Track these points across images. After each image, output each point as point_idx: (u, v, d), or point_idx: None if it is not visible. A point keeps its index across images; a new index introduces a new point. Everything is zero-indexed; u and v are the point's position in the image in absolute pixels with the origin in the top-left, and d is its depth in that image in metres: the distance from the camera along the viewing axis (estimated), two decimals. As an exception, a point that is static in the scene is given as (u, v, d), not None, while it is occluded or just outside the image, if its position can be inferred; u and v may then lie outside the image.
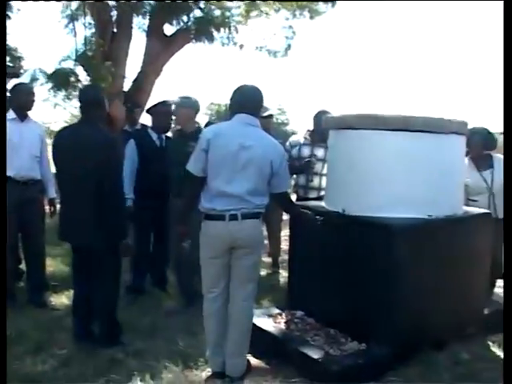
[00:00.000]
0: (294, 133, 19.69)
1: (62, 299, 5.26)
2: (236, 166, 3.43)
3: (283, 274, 6.30)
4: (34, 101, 5.15)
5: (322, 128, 5.15)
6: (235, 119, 3.61)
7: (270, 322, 4.32)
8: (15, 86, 5.27)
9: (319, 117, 5.83)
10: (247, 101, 3.61)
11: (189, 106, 5.03)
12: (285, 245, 6.60)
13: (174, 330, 4.58)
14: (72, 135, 4.07)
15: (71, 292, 4.68)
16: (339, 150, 4.37)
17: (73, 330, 4.30)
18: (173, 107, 5.33)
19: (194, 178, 3.56)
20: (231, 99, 3.70)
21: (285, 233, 6.72)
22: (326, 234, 3.99)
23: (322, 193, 5.48)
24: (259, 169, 3.46)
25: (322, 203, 4.59)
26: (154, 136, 5.53)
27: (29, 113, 5.16)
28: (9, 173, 4.80)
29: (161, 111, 5.50)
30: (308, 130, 6.30)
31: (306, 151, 6.05)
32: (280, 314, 4.49)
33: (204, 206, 3.54)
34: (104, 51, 17.28)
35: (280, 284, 6.12)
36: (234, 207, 3.43)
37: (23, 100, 5.03)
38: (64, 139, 4.10)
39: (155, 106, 5.66)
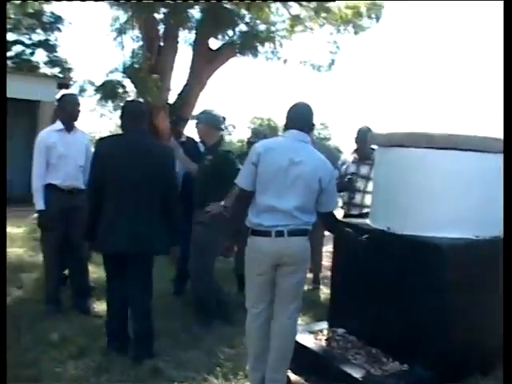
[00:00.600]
0: (337, 149, 19.56)
1: (104, 306, 5.31)
2: (285, 182, 3.43)
3: (324, 290, 6.25)
4: (79, 111, 5.22)
5: (367, 145, 5.11)
6: (287, 135, 3.64)
7: (311, 339, 4.29)
8: (62, 96, 5.39)
9: (362, 133, 5.80)
10: (299, 117, 3.64)
11: (204, 121, 5.02)
12: (326, 261, 6.56)
13: (213, 341, 4.58)
14: (129, 144, 4.01)
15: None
16: (386, 167, 4.32)
17: (109, 337, 4.31)
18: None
19: (243, 192, 3.57)
20: (286, 116, 3.72)
21: (326, 248, 6.68)
22: (370, 252, 3.93)
23: (365, 210, 5.43)
24: (308, 185, 3.45)
25: (367, 221, 4.54)
26: (202, 148, 5.60)
27: (75, 123, 5.23)
28: (54, 181, 4.98)
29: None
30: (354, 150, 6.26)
31: (351, 169, 6.02)
32: (321, 331, 4.46)
33: (251, 221, 3.54)
34: (151, 64, 17.63)
35: (321, 300, 6.08)
36: (281, 223, 3.41)
37: (69, 110, 5.12)
38: (120, 148, 4.01)
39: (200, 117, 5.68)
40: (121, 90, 17.23)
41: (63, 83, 12.09)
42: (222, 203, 4.73)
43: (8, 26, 24.16)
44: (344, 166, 6.14)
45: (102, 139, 4.25)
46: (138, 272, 4.09)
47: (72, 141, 5.04)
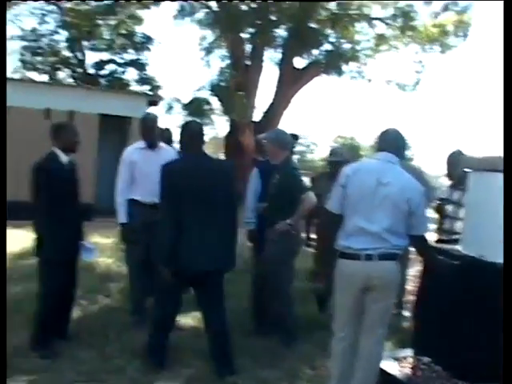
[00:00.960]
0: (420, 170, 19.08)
1: (187, 319, 5.39)
2: (374, 203, 3.38)
3: (408, 315, 6.09)
4: (156, 129, 5.25)
5: (458, 169, 4.98)
6: (375, 156, 3.60)
7: (396, 366, 4.17)
8: (143, 116, 5.49)
9: (454, 158, 5.63)
10: (388, 141, 3.61)
11: (272, 141, 5.03)
12: (409, 285, 6.39)
13: (294, 360, 4.54)
14: (198, 165, 4.07)
15: (197, 313, 4.78)
16: (481, 192, 4.16)
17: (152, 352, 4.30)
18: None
19: (333, 215, 3.55)
20: (376, 141, 3.73)
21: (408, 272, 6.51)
22: (460, 280, 3.80)
23: (454, 236, 5.27)
24: (396, 206, 3.38)
25: (458, 247, 4.39)
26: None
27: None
28: (136, 197, 5.16)
29: None
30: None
31: (445, 194, 5.88)
32: (405, 358, 4.32)
33: (340, 244, 3.50)
34: (237, 82, 18.04)
35: (404, 326, 5.91)
36: (370, 246, 3.36)
37: (148, 129, 5.20)
38: (189, 169, 4.03)
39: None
40: (207, 108, 17.76)
41: (153, 100, 12.53)
42: (288, 221, 4.72)
43: (102, 46, 25.42)
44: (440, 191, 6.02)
45: (167, 164, 4.10)
46: (215, 289, 4.15)
47: (154, 158, 4.98)
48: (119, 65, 25.72)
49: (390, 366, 4.09)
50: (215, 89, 17.69)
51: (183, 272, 3.95)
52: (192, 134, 4.17)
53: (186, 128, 4.26)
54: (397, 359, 4.27)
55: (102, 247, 8.03)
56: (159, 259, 4.02)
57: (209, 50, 20.24)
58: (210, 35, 21.41)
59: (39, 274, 4.35)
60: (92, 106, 11.51)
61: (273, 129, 17.24)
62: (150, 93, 13.54)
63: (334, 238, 3.53)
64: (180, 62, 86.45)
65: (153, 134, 5.19)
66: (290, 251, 4.83)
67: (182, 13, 18.89)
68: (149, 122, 5.24)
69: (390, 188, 3.39)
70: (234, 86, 17.69)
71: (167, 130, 6.34)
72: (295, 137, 5.93)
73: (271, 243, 4.85)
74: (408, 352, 4.41)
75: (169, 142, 6.01)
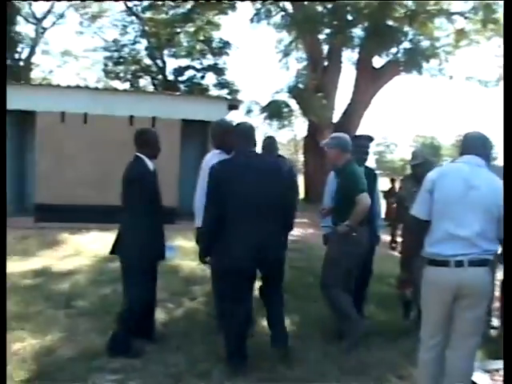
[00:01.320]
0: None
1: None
2: (464, 207, 3.25)
3: (496, 323, 5.84)
4: (226, 135, 5.17)
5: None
6: (461, 160, 3.47)
7: (487, 379, 4.01)
8: (216, 122, 5.45)
9: None
10: (474, 144, 3.45)
11: (333, 146, 5.02)
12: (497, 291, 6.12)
13: (381, 368, 4.43)
14: (246, 164, 4.14)
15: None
16: None
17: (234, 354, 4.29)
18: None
19: (419, 221, 3.44)
20: (460, 144, 3.58)
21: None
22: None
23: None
24: (488, 210, 3.24)
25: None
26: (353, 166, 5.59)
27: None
28: None
29: (359, 144, 5.55)
30: None
31: None
32: (497, 371, 4.13)
33: (427, 251, 3.40)
34: (315, 84, 17.99)
35: (494, 335, 5.68)
36: (460, 252, 3.23)
37: (215, 135, 5.18)
38: (237, 169, 4.12)
39: (356, 137, 5.72)
40: (286, 110, 17.81)
41: (233, 105, 12.69)
42: (347, 223, 4.70)
43: (181, 53, 26.03)
44: None
45: (218, 164, 4.16)
46: (277, 279, 4.35)
47: None
48: (198, 70, 26.28)
49: (481, 379, 3.93)
50: (293, 91, 17.68)
51: (235, 269, 4.03)
52: (242, 134, 4.26)
53: (237, 129, 4.39)
54: (488, 371, 4.10)
55: (186, 250, 8.18)
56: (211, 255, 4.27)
57: (286, 53, 20.30)
58: (286, 37, 21.54)
59: (124, 277, 4.47)
60: (174, 111, 11.80)
61: (352, 130, 17.11)
62: (230, 97, 13.68)
63: (421, 244, 3.44)
64: (258, 65, 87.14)
65: (222, 140, 5.15)
66: (344, 253, 4.75)
67: (258, 16, 19.03)
68: (217, 128, 5.24)
69: (481, 191, 3.26)
70: (313, 88, 17.62)
71: (270, 137, 6.33)
72: (370, 139, 5.86)
73: (330, 244, 4.96)
74: (500, 364, 4.23)
75: (272, 150, 6.01)
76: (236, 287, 4.11)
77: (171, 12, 23.94)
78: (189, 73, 26.07)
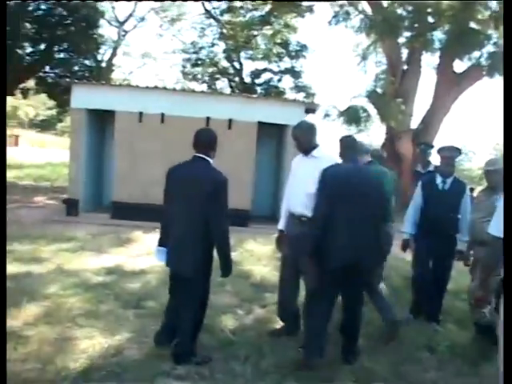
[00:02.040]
0: None
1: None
2: None
3: None
4: (308, 137, 4.92)
5: None
6: None
7: None
8: (303, 123, 5.16)
9: None
10: None
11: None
12: None
13: None
14: (355, 172, 4.45)
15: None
16: None
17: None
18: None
19: (497, 240, 3.09)
20: None
21: None
22: None
23: None
24: None
25: None
26: (439, 179, 5.57)
27: (317, 149, 4.96)
28: (289, 207, 4.91)
29: (445, 156, 5.53)
30: None
31: None
32: None
33: None
34: (394, 89, 17.51)
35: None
36: None
37: (295, 137, 4.92)
38: (347, 175, 4.42)
39: (442, 149, 5.57)
40: (364, 115, 17.41)
41: (310, 108, 12.50)
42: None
43: (259, 56, 26.10)
44: None
45: (328, 168, 4.41)
46: (360, 283, 4.55)
47: (305, 167, 4.85)
48: (275, 73, 26.27)
49: None
50: (372, 96, 17.25)
51: (333, 267, 4.22)
52: (346, 145, 4.59)
53: (342, 140, 4.66)
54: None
55: (258, 255, 8.09)
56: (311, 255, 4.32)
57: (364, 56, 19.92)
58: (364, 41, 21.14)
59: (190, 282, 4.30)
60: (250, 114, 11.73)
61: (431, 137, 16.52)
62: (308, 100, 13.45)
63: (499, 263, 3.13)
64: (335, 68, 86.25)
65: (305, 142, 4.90)
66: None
67: (336, 18, 18.72)
68: (302, 130, 4.97)
69: None
70: (392, 93, 17.15)
71: (377, 150, 6.16)
72: (457, 150, 5.75)
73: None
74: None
75: (380, 160, 5.93)
76: (330, 284, 4.34)
77: (249, 15, 24.05)
78: (266, 76, 26.13)
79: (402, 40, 18.48)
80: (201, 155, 4.24)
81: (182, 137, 11.74)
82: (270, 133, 12.58)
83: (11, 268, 6.53)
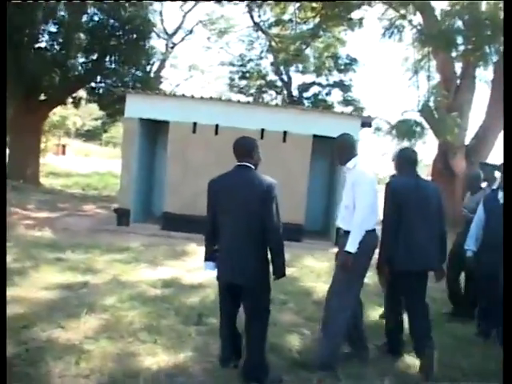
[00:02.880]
0: None
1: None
2: None
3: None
4: (343, 148, 4.68)
5: None
6: None
7: None
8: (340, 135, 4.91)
9: None
10: None
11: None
12: None
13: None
14: (417, 185, 4.66)
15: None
16: None
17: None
18: None
19: None
20: None
21: None
22: None
23: None
24: None
25: None
26: (499, 194, 5.57)
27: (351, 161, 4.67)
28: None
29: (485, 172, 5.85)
30: None
31: None
32: None
33: None
34: (448, 103, 16.96)
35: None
36: None
37: (336, 148, 4.70)
38: (411, 188, 4.63)
39: (483, 165, 5.54)
40: (418, 129, 16.96)
41: (366, 122, 12.15)
42: None
43: (308, 69, 25.89)
44: None
45: (391, 181, 4.83)
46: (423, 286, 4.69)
47: (346, 179, 4.66)
48: (323, 86, 25.98)
49: None
50: (425, 110, 16.77)
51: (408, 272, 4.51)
52: (405, 159, 4.80)
53: (400, 154, 4.93)
54: None
55: (318, 272, 7.79)
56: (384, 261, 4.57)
57: (416, 70, 19.46)
58: (414, 54, 20.71)
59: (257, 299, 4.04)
60: (305, 126, 11.46)
61: (485, 153, 15.99)
62: (364, 114, 13.13)
63: None
64: (384, 82, 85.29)
65: (337, 153, 4.64)
66: None
67: (389, 31, 18.34)
68: (335, 142, 4.74)
69: None
70: (445, 107, 16.65)
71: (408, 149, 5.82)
72: (496, 167, 5.70)
73: None
74: None
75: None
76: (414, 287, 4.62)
77: (298, 28, 23.88)
78: (314, 89, 25.88)
79: (454, 54, 18.01)
80: (244, 163, 4.17)
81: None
82: (324, 146, 12.29)
83: (66, 277, 6.43)
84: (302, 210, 11.54)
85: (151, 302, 5.72)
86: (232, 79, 27.51)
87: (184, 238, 10.48)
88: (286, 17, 23.41)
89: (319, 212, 13.10)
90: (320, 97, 25.18)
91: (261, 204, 3.89)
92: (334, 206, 12.06)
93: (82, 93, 20.08)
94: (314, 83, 25.99)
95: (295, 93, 25.60)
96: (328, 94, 25.62)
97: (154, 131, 12.78)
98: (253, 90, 27.20)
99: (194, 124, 11.37)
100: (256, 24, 24.86)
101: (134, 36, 17.81)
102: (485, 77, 18.75)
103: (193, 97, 11.57)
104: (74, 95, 19.32)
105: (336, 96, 25.97)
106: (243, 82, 27.14)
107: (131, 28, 17.54)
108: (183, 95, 11.49)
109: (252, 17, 24.48)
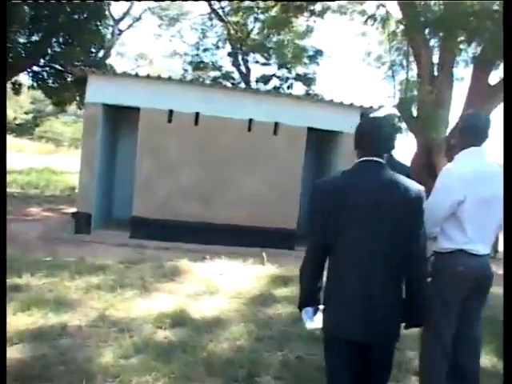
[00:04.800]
0: None
1: None
2: None
3: None
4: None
5: None
6: None
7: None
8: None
9: None
10: None
11: None
12: None
13: None
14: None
15: None
16: None
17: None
18: None
19: None
20: None
21: None
22: None
23: None
24: None
25: None
26: None
27: None
28: None
29: None
30: None
31: None
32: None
33: None
34: (429, 98, 15.78)
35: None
36: None
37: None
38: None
39: None
40: (399, 125, 15.86)
41: (366, 113, 10.71)
42: None
43: (268, 60, 24.30)
44: None
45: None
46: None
47: None
48: (285, 79, 24.30)
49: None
50: (404, 105, 15.59)
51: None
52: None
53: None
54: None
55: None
56: None
57: (393, 63, 18.29)
58: (377, 50, 19.88)
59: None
60: (299, 118, 9.81)
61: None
62: (364, 105, 11.49)
63: None
64: (352, 75, 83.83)
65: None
66: None
67: (371, 19, 17.04)
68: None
69: None
70: (429, 102, 15.49)
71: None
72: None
73: None
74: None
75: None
76: None
77: (259, 17, 22.20)
78: (274, 81, 24.19)
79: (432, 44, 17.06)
80: (376, 158, 2.65)
81: (219, 141, 9.87)
82: (317, 139, 10.75)
83: (33, 318, 4.51)
84: (295, 213, 9.97)
85: (166, 354, 3.95)
86: (185, 70, 25.49)
87: (161, 248, 8.68)
88: (246, 3, 21.67)
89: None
90: (281, 90, 23.44)
91: (411, 221, 2.54)
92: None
93: (23, 77, 17.61)
94: (274, 75, 24.33)
95: (254, 85, 23.86)
96: (290, 87, 23.96)
97: (118, 119, 10.86)
98: (207, 82, 25.24)
99: (170, 112, 9.53)
100: (214, 10, 22.94)
101: (85, 15, 15.60)
102: (462, 74, 17.95)
103: (170, 79, 9.74)
104: (13, 80, 16.66)
105: (299, 89, 24.38)
106: (197, 73, 25.14)
107: (82, 5, 15.30)
108: (159, 77, 9.60)
109: (210, 4, 22.57)
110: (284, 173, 9.77)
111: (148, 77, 9.47)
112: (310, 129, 10.08)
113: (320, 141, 11.07)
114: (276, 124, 9.83)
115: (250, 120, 9.69)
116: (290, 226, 9.81)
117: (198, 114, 9.57)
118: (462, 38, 15.85)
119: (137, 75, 9.69)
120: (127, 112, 10.17)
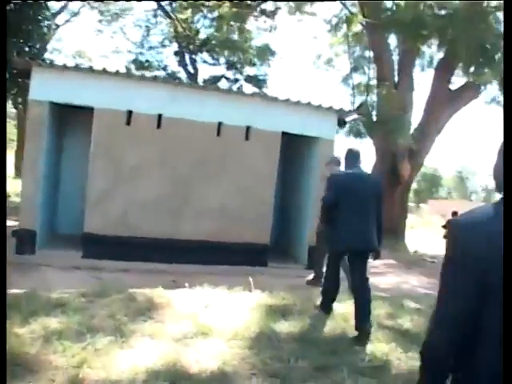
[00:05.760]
0: None
1: None
2: None
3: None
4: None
5: None
6: None
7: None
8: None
9: None
10: None
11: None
12: None
13: None
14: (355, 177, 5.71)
15: None
16: None
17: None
18: None
19: None
20: None
21: None
22: None
23: None
24: None
25: None
26: None
27: None
28: None
29: None
30: None
31: None
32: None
33: None
34: (388, 102, 15.24)
35: None
36: None
37: None
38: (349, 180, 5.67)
39: None
40: (362, 130, 15.45)
41: (342, 118, 9.81)
42: None
43: (217, 60, 23.27)
44: None
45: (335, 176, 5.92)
46: (364, 263, 5.64)
47: None
48: (234, 80, 23.37)
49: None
50: (364, 107, 15.04)
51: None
52: (350, 156, 5.74)
53: (347, 152, 5.79)
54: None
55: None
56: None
57: (355, 67, 17.75)
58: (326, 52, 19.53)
59: None
60: (273, 121, 8.84)
61: (423, 156, 14.75)
62: (344, 108, 10.54)
63: None
64: (305, 77, 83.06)
65: None
66: None
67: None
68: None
69: None
70: (389, 105, 14.94)
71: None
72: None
73: None
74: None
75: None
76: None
77: (208, 15, 21.19)
78: (224, 83, 23.18)
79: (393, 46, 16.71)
80: None
81: (184, 146, 8.70)
82: (296, 144, 9.87)
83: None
84: (268, 226, 8.99)
85: None
86: (128, 69, 24.09)
87: (120, 270, 7.54)
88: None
89: (284, 227, 10.54)
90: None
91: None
92: (301, 220, 9.66)
93: None
94: (223, 76, 23.35)
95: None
96: (239, 88, 23.02)
97: (67, 120, 9.56)
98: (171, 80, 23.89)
99: (129, 112, 8.33)
100: (161, 7, 21.69)
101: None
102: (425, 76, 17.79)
103: (128, 75, 8.55)
104: None
105: (249, 90, 23.46)
106: (141, 73, 23.82)
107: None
108: (117, 72, 8.38)
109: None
110: (257, 182, 8.78)
111: (104, 71, 8.20)
112: (282, 133, 9.16)
113: (289, 145, 10.12)
114: (248, 128, 8.83)
115: (220, 123, 8.65)
116: (263, 241, 8.84)
117: (160, 115, 8.42)
118: (424, 40, 15.59)
119: (91, 69, 8.39)
120: (78, 112, 8.91)
